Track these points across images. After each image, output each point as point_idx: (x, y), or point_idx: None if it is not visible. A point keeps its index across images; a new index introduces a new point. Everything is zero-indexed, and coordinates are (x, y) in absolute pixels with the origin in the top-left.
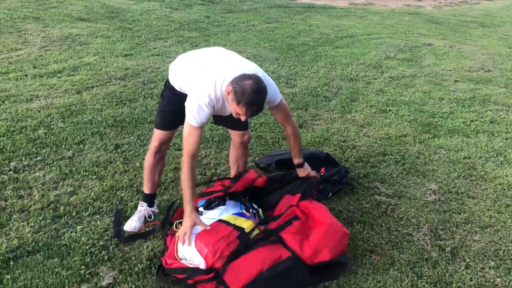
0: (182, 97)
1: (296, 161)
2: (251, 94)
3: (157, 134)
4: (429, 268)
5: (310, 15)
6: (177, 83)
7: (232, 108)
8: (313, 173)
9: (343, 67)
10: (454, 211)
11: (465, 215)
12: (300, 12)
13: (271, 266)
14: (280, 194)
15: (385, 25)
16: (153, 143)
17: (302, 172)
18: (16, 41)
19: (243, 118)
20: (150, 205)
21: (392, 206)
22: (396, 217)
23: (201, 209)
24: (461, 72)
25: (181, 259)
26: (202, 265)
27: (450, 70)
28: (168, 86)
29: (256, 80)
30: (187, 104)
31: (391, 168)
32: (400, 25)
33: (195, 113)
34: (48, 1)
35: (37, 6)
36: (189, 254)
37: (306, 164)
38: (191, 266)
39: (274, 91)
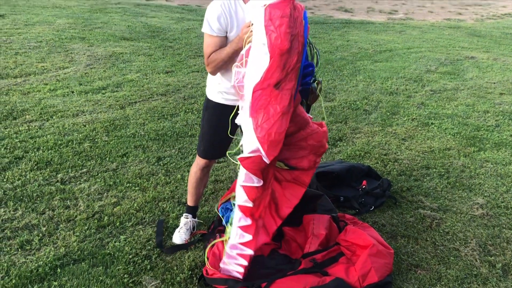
0: (221, 108)
1: None
2: None
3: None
4: (478, 285)
5: (348, 31)
6: (208, 88)
7: None
8: None
9: (383, 80)
10: (504, 226)
11: None
12: (338, 27)
13: (314, 286)
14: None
15: (425, 39)
16: (202, 160)
17: None
18: (63, 60)
19: None
20: (194, 216)
21: (437, 220)
22: (441, 231)
23: None
24: (506, 84)
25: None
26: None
27: (494, 83)
28: (206, 105)
29: None
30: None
31: (435, 181)
32: (440, 39)
33: (210, 20)
34: (94, 22)
35: (83, 27)
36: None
37: None
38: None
39: None
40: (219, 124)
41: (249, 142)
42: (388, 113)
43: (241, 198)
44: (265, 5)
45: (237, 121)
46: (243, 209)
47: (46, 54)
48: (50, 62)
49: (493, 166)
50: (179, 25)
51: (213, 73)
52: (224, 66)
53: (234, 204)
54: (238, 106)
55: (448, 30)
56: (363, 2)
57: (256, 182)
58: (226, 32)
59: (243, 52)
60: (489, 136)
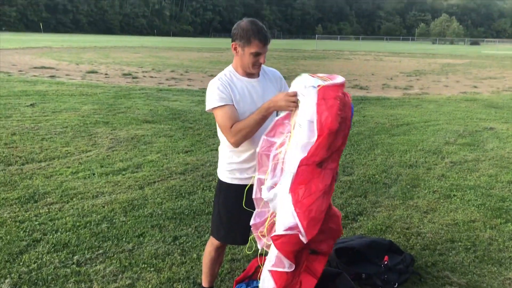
0: (236, 190)
1: None
2: (252, 25)
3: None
4: None
5: (364, 107)
6: (220, 169)
7: (247, 55)
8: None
9: (401, 154)
10: None
11: None
12: (354, 104)
13: None
14: None
15: (441, 112)
16: (216, 243)
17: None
18: (86, 143)
19: (262, 59)
20: None
21: None
22: None
23: None
24: None
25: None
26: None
27: None
28: (219, 188)
29: (246, 18)
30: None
31: (461, 255)
32: (457, 111)
33: (213, 94)
34: (118, 107)
35: (107, 112)
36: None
37: None
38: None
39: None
40: (238, 208)
41: (285, 218)
42: (409, 186)
43: (267, 285)
44: (319, 85)
45: (263, 196)
46: None
47: (71, 138)
48: (74, 146)
49: None
50: (199, 107)
51: (238, 143)
52: (251, 134)
53: None
54: (254, 177)
55: (465, 103)
56: (378, 79)
57: (288, 267)
58: (232, 100)
59: (276, 118)
60: None
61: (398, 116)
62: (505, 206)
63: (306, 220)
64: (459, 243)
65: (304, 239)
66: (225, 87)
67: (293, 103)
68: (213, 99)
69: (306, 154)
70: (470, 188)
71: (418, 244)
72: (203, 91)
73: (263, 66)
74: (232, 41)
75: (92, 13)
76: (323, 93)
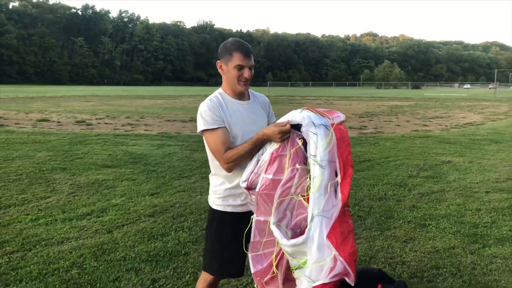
0: (230, 218)
1: None
2: (234, 41)
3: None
4: None
5: None
6: (211, 196)
7: (231, 69)
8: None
9: (369, 187)
10: None
11: None
12: None
13: None
14: None
15: (399, 149)
16: (209, 278)
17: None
18: (44, 190)
19: (246, 73)
20: None
21: None
22: None
23: None
24: (489, 183)
25: None
26: None
27: (477, 183)
28: (211, 218)
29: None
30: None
31: (449, 281)
32: (414, 147)
33: (204, 115)
34: (74, 154)
35: (64, 158)
36: None
37: None
38: None
39: None
40: (232, 238)
41: (330, 265)
42: (383, 218)
43: None
44: (333, 124)
45: (284, 243)
46: None
47: (27, 185)
48: (30, 193)
49: (503, 262)
50: (160, 150)
51: (231, 169)
52: (244, 162)
53: None
54: (252, 219)
55: (419, 139)
56: None
57: None
58: (223, 122)
59: (270, 150)
60: (489, 232)
61: (358, 154)
62: (479, 232)
63: (352, 264)
64: (444, 269)
65: (352, 282)
66: (217, 108)
67: (286, 134)
68: (205, 121)
69: (336, 197)
70: (442, 217)
71: (405, 273)
72: (162, 135)
73: (252, 90)
74: (218, 59)
75: (39, 63)
76: (340, 133)
